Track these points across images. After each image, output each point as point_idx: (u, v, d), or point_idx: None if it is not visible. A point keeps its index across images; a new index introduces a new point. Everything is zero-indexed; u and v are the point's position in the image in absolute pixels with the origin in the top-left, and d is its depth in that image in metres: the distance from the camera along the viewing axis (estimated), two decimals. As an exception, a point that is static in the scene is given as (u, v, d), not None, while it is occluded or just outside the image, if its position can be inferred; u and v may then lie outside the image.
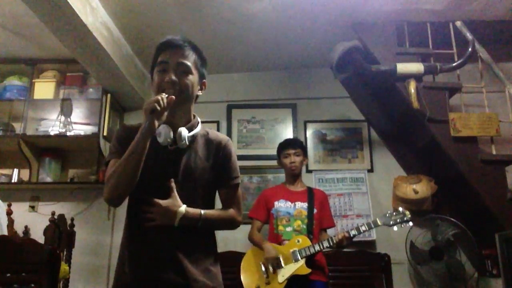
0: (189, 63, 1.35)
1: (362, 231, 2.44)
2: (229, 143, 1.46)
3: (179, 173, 1.34)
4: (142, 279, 1.28)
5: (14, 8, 2.74)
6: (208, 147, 1.42)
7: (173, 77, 1.32)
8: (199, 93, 1.43)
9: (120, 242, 1.37)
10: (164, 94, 1.26)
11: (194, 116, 1.44)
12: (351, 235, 2.40)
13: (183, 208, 1.29)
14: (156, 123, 1.24)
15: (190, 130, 1.38)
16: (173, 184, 1.31)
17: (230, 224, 1.44)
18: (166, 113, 1.27)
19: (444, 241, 2.80)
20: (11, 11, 2.82)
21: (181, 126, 1.36)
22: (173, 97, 1.26)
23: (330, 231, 2.71)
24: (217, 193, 1.46)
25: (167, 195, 1.30)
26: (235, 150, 1.51)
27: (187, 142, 1.35)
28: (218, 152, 1.41)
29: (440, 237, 2.81)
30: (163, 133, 1.32)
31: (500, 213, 2.60)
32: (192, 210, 1.31)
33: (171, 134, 1.33)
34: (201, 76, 1.42)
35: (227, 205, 1.43)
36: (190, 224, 1.30)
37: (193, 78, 1.37)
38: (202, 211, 1.33)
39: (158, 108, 1.21)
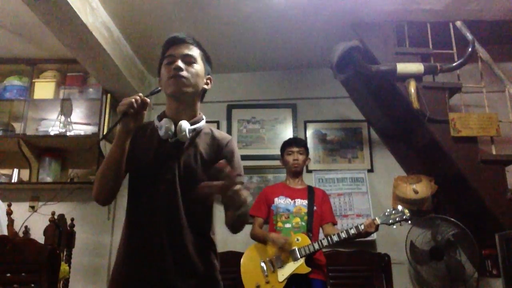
0: (194, 54, 1.38)
1: (361, 229, 2.43)
2: (232, 141, 1.46)
3: (178, 167, 1.33)
4: (139, 278, 1.28)
5: (14, 8, 2.74)
6: (211, 145, 1.41)
7: (180, 64, 1.33)
8: (206, 87, 1.44)
9: (120, 239, 1.37)
10: (140, 94, 1.22)
11: (200, 113, 1.44)
12: (379, 223, 2.37)
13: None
14: (132, 124, 1.21)
15: (193, 125, 1.37)
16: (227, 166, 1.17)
17: (248, 218, 1.39)
18: (144, 115, 1.24)
19: (444, 241, 2.80)
20: (11, 11, 2.81)
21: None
22: (148, 100, 1.22)
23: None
24: None
25: (166, 188, 1.30)
26: (235, 150, 1.50)
27: (187, 134, 1.34)
28: (220, 150, 1.41)
29: (440, 237, 2.81)
30: (164, 126, 1.33)
31: (500, 213, 2.60)
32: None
33: (172, 127, 1.33)
34: (207, 71, 1.44)
35: None
36: (238, 204, 1.21)
37: (199, 68, 1.39)
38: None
39: (131, 110, 1.19)
